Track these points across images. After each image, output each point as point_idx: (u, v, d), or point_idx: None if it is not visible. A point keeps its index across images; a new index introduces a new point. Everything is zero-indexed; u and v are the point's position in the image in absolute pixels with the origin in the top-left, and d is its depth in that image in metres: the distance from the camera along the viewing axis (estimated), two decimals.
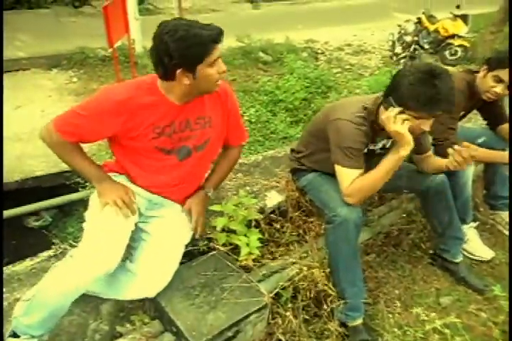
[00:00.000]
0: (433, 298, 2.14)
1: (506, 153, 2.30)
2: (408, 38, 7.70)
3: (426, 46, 7.84)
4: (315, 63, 7.27)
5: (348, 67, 7.58)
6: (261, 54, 7.40)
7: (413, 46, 7.68)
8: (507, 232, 2.65)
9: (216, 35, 1.44)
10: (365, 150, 1.84)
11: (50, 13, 8.65)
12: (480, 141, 2.42)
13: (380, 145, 1.93)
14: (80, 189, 3.79)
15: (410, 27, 7.80)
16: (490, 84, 2.14)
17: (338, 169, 1.77)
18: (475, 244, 2.43)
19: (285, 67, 6.55)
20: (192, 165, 1.72)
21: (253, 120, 5.30)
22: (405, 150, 1.69)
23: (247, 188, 2.25)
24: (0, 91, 5.03)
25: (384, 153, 1.86)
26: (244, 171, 2.42)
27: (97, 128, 1.54)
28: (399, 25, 7.96)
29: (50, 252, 1.89)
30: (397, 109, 1.65)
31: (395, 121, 1.65)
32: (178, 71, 1.45)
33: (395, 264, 2.30)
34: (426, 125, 1.69)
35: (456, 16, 7.68)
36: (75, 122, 1.53)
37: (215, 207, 1.89)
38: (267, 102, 5.68)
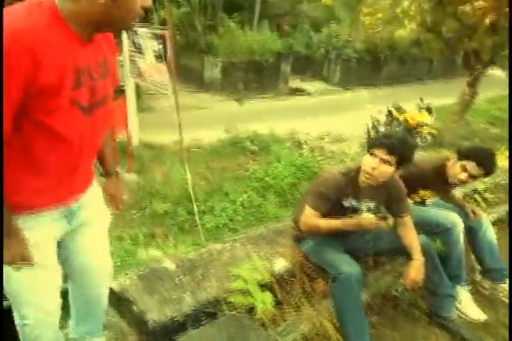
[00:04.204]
0: None
1: None
2: (381, 127, 8.54)
3: None
4: (299, 152, 7.88)
5: (329, 154, 8.22)
6: (248, 144, 8.03)
7: None
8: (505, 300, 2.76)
9: None
10: (348, 204, 2.21)
11: None
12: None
13: (363, 205, 2.25)
14: None
15: (382, 118, 8.73)
16: (457, 172, 2.54)
17: (306, 206, 2.19)
18: (468, 306, 2.59)
19: (272, 156, 7.11)
20: (92, 125, 1.33)
21: (246, 205, 5.63)
22: (360, 227, 2.13)
23: (256, 257, 2.48)
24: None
25: None
26: (252, 243, 2.67)
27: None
28: (372, 117, 8.86)
29: None
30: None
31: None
32: None
33: (395, 324, 2.46)
34: None
35: (421, 108, 8.66)
36: None
37: (232, 271, 2.12)
38: (258, 188, 6.10)
